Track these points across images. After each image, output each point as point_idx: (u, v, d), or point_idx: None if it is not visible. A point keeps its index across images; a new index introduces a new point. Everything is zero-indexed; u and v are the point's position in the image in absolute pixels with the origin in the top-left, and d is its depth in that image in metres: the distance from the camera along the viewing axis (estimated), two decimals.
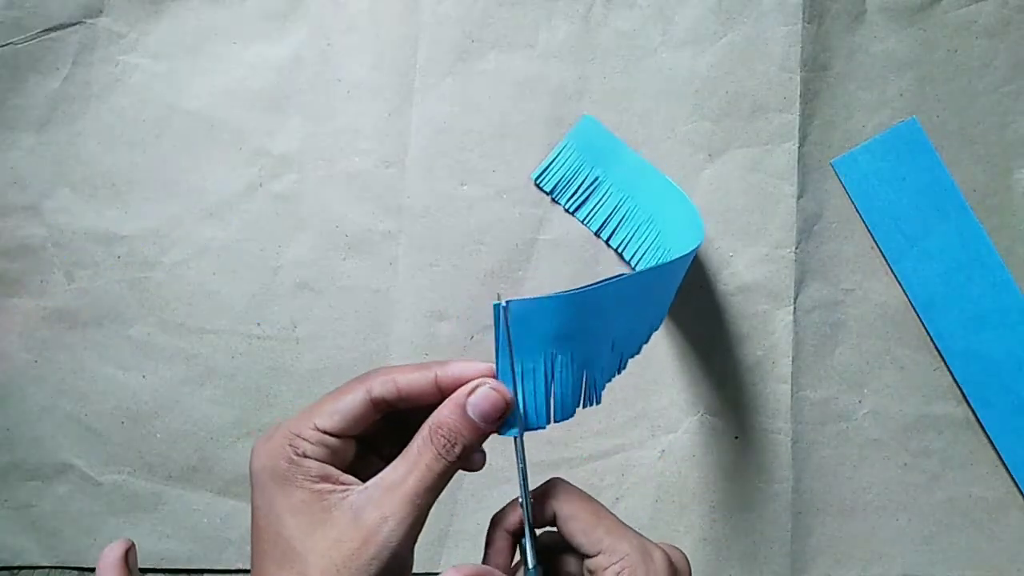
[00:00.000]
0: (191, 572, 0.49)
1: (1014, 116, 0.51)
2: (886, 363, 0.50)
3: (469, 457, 0.31)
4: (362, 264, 0.50)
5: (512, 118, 0.51)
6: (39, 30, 0.50)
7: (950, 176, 0.50)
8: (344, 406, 0.29)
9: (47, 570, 0.49)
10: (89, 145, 0.50)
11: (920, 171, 0.50)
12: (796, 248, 0.50)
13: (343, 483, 0.29)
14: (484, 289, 0.50)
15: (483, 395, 0.30)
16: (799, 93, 0.50)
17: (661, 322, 0.40)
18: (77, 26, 0.50)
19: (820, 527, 0.49)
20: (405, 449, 0.30)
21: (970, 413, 0.50)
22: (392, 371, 0.30)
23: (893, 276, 0.50)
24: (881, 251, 0.51)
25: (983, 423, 0.50)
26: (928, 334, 0.50)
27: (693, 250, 0.41)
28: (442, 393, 0.30)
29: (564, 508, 0.32)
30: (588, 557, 0.31)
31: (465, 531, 0.49)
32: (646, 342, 0.37)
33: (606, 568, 0.30)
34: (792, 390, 0.50)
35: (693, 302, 0.50)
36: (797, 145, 0.50)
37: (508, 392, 0.30)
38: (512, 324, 0.30)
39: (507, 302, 0.30)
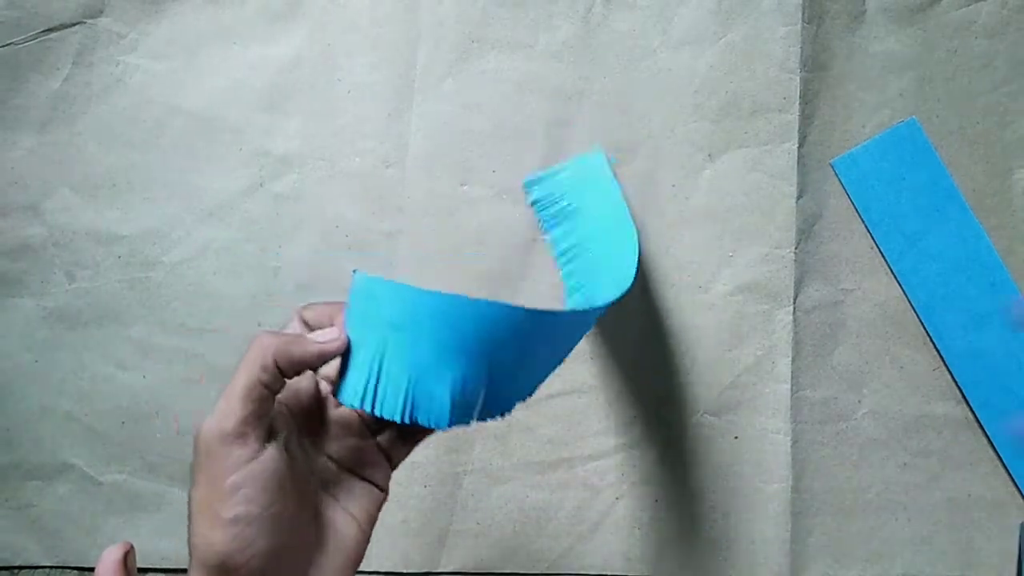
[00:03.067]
0: None
1: (1014, 116, 0.51)
2: (885, 363, 0.50)
3: (278, 378, 0.29)
4: (362, 264, 0.50)
5: (512, 118, 0.51)
6: (39, 30, 0.50)
7: (950, 176, 0.50)
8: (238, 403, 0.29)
9: (47, 570, 0.49)
10: (89, 145, 0.50)
11: (920, 171, 0.50)
12: (796, 248, 0.50)
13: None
14: (484, 289, 0.50)
15: (306, 338, 0.30)
16: (799, 93, 0.50)
17: (544, 374, 0.35)
18: (77, 26, 0.50)
19: (820, 527, 0.50)
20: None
21: (969, 413, 0.50)
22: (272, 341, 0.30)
23: (893, 276, 0.50)
24: (881, 251, 0.51)
25: (982, 423, 0.50)
26: (927, 334, 0.50)
27: (588, 310, 0.37)
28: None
29: None
30: None
31: (465, 531, 0.49)
32: (528, 392, 0.34)
33: None
34: (792, 390, 0.50)
35: (693, 302, 0.50)
36: (797, 145, 0.50)
37: (329, 347, 0.30)
38: (352, 294, 0.30)
39: (357, 272, 0.30)
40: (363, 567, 0.49)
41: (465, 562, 0.49)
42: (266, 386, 0.29)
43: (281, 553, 0.28)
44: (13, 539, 0.49)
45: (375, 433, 0.34)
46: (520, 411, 0.51)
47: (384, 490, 0.33)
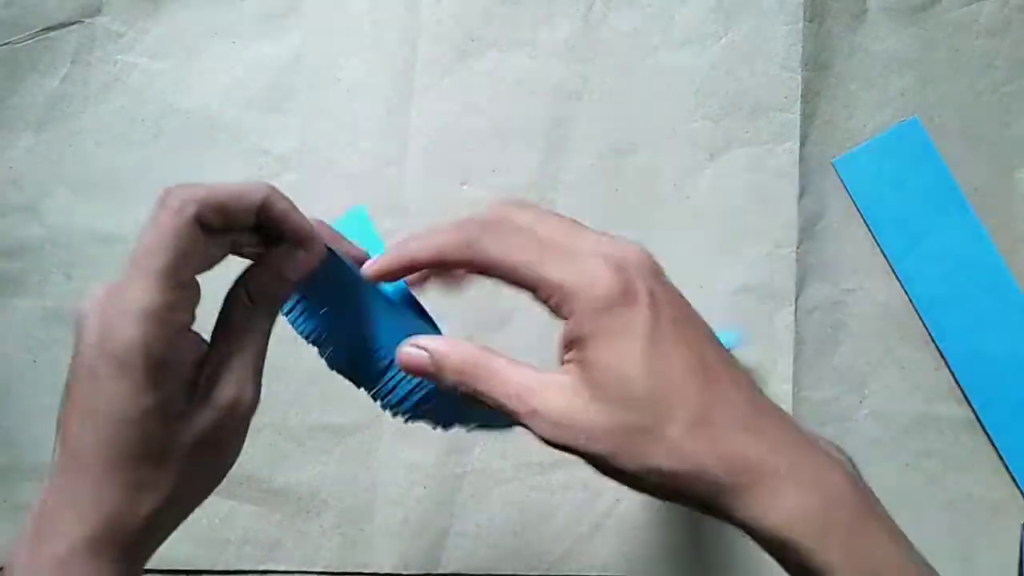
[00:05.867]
0: (190, 573, 0.49)
1: (1015, 115, 0.51)
2: (887, 363, 0.50)
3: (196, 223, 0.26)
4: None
5: (512, 117, 0.50)
6: (37, 29, 0.50)
7: (951, 176, 0.50)
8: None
9: None
10: (87, 145, 0.50)
11: (921, 171, 0.50)
12: (797, 248, 0.50)
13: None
14: (484, 289, 0.50)
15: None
16: (800, 92, 0.50)
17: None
18: (75, 25, 0.50)
19: None
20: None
21: (971, 413, 0.50)
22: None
23: (894, 276, 0.50)
24: (882, 251, 0.50)
25: (984, 423, 0.49)
26: (929, 334, 0.50)
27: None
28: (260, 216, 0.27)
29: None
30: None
31: (465, 531, 0.49)
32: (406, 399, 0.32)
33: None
34: (793, 390, 0.50)
35: (693, 302, 0.50)
36: (798, 145, 0.50)
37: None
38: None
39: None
40: (363, 567, 0.49)
41: (465, 563, 0.49)
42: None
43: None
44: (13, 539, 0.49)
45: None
46: None
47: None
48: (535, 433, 0.26)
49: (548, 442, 0.26)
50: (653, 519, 0.49)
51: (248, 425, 0.29)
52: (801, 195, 0.50)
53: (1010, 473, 0.49)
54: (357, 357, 0.31)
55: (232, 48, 0.50)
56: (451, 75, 0.50)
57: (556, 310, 0.26)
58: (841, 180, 0.51)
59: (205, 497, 0.29)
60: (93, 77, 0.50)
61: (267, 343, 0.29)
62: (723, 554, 0.49)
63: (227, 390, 0.27)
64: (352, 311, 0.31)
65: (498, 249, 0.27)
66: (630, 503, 0.49)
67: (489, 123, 0.50)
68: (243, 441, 0.29)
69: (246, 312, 0.28)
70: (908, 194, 0.50)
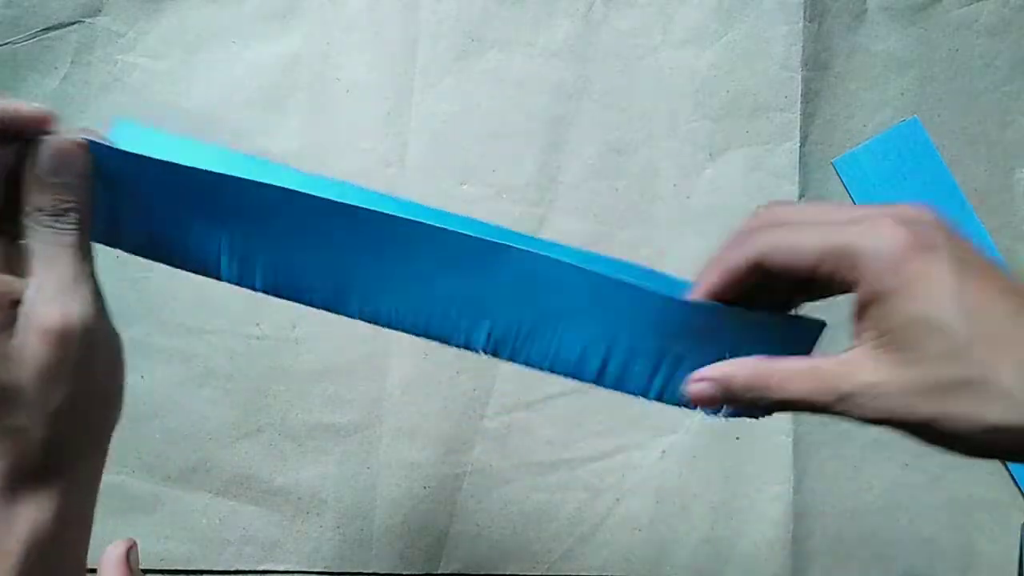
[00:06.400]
0: (190, 573, 0.49)
1: (1015, 115, 0.51)
2: None
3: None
4: None
5: (512, 117, 0.50)
6: (38, 29, 0.50)
7: (951, 176, 0.50)
8: None
9: None
10: None
11: (921, 170, 0.50)
12: None
13: None
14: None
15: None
16: (800, 92, 0.50)
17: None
18: (76, 25, 0.50)
19: (821, 528, 0.49)
20: None
21: None
22: None
23: None
24: None
25: None
26: None
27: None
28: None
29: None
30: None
31: (465, 532, 0.49)
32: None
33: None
34: None
35: None
36: (798, 144, 0.50)
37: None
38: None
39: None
40: (363, 567, 0.49)
41: (465, 563, 0.49)
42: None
43: None
44: None
45: None
46: (520, 412, 0.51)
47: None
48: (855, 416, 0.24)
49: (869, 420, 0.24)
50: (653, 520, 0.49)
51: (112, 350, 0.29)
52: (801, 195, 0.50)
53: (1010, 473, 0.49)
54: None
55: (232, 48, 0.50)
56: (451, 75, 0.50)
57: (845, 280, 0.25)
58: (841, 180, 0.51)
59: (98, 443, 0.29)
60: (93, 77, 0.50)
61: (84, 258, 0.28)
62: (724, 555, 0.49)
63: (47, 310, 0.26)
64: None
65: (775, 237, 0.26)
66: (630, 503, 0.49)
67: (489, 123, 0.50)
68: (114, 372, 0.29)
69: (35, 235, 0.26)
70: (908, 194, 0.50)
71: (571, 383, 0.49)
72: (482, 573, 0.49)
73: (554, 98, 0.50)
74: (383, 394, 0.49)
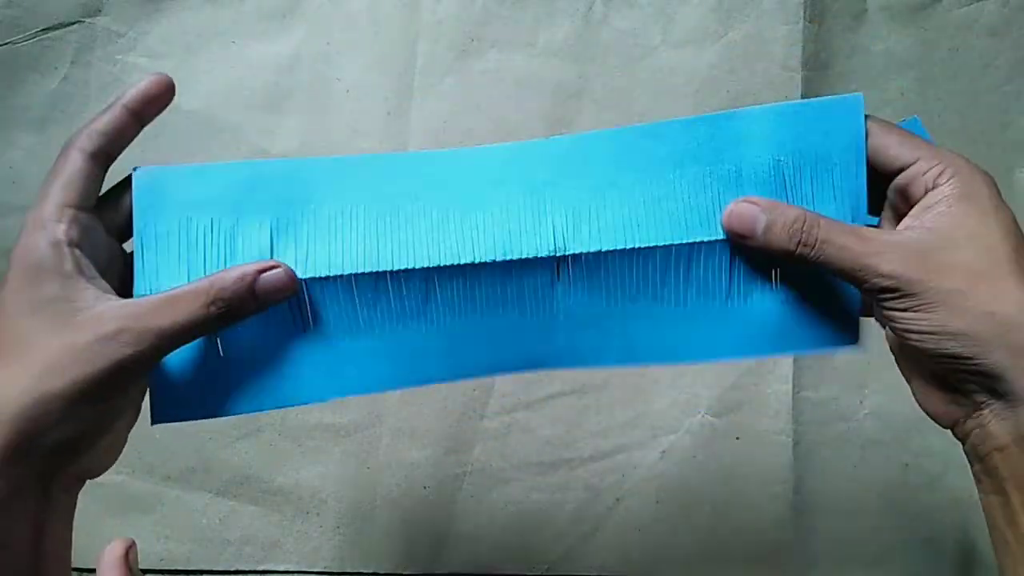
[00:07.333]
0: (190, 573, 0.49)
1: (1015, 115, 0.51)
2: (887, 363, 0.50)
3: (236, 316, 0.30)
4: None
5: (512, 117, 0.50)
6: (38, 29, 0.50)
7: None
8: (71, 176, 0.31)
9: None
10: None
11: None
12: None
13: (95, 285, 0.29)
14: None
15: (275, 277, 0.29)
16: (800, 92, 0.50)
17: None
18: (76, 25, 0.50)
19: (821, 528, 0.49)
20: (177, 289, 0.29)
21: None
22: (88, 125, 0.31)
23: None
24: None
25: None
26: None
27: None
28: (137, 116, 0.32)
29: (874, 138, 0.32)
30: (902, 171, 0.30)
31: (465, 532, 0.49)
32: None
33: (925, 172, 0.29)
34: (793, 390, 0.50)
35: None
36: None
37: (292, 273, 0.30)
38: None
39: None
40: (363, 567, 0.49)
41: (465, 563, 0.49)
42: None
43: None
44: None
45: None
46: (520, 412, 0.51)
47: None
48: (883, 273, 0.27)
49: (890, 291, 0.27)
50: (653, 520, 0.49)
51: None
52: None
53: None
54: None
55: (232, 48, 0.50)
56: (451, 75, 0.50)
57: (932, 181, 0.29)
58: None
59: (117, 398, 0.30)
60: (93, 77, 0.50)
61: None
62: (724, 554, 0.49)
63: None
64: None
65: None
66: (630, 503, 0.49)
67: (489, 123, 0.50)
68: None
69: None
70: None
71: (571, 383, 0.49)
72: (482, 573, 0.49)
73: (554, 98, 0.50)
74: (383, 394, 0.49)
